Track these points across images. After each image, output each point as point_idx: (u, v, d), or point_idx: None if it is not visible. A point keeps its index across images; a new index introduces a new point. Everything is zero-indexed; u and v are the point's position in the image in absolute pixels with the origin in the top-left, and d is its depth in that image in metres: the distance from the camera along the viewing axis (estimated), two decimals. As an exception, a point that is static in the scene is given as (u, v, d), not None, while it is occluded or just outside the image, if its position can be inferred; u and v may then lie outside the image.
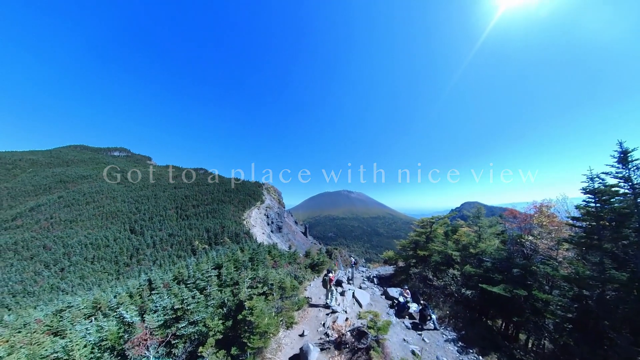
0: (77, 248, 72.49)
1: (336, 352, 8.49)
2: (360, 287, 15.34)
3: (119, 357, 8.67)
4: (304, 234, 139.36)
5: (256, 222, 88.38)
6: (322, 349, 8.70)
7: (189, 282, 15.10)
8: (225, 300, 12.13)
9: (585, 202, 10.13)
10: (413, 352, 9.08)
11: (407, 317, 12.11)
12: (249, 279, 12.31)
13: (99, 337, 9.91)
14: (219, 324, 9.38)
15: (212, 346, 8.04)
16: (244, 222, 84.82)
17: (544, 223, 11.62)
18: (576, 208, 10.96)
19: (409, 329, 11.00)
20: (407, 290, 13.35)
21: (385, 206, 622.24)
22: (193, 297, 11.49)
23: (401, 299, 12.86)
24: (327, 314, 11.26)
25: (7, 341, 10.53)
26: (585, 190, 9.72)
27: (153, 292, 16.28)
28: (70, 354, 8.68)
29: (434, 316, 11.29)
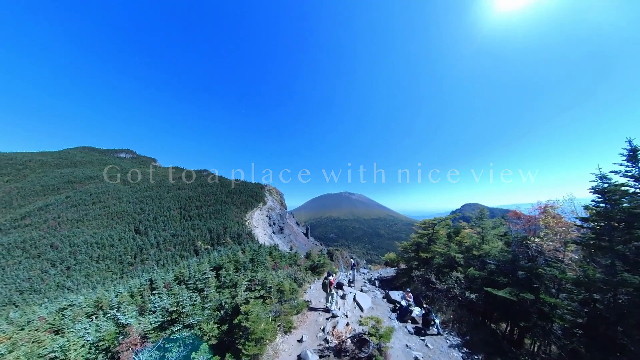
0: (83, 247, 73.39)
1: (336, 361, 8.16)
2: (362, 290, 15.03)
3: (114, 360, 8.57)
4: (306, 235, 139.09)
5: (258, 223, 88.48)
6: (321, 357, 8.34)
7: (189, 283, 15.00)
8: (223, 303, 11.98)
9: (594, 203, 9.75)
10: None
11: (409, 321, 11.78)
12: (247, 281, 12.13)
13: (97, 337, 9.83)
14: (214, 328, 9.20)
15: (205, 352, 7.82)
16: (246, 223, 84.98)
17: (551, 224, 11.22)
18: (584, 208, 10.57)
19: (411, 334, 10.67)
20: (410, 294, 13.02)
21: (386, 208, 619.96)
22: (190, 299, 11.34)
23: (403, 303, 12.54)
24: (327, 319, 10.97)
25: (10, 338, 10.44)
26: (595, 190, 9.34)
27: (154, 292, 16.24)
28: (67, 353, 8.63)
29: (437, 321, 10.95)
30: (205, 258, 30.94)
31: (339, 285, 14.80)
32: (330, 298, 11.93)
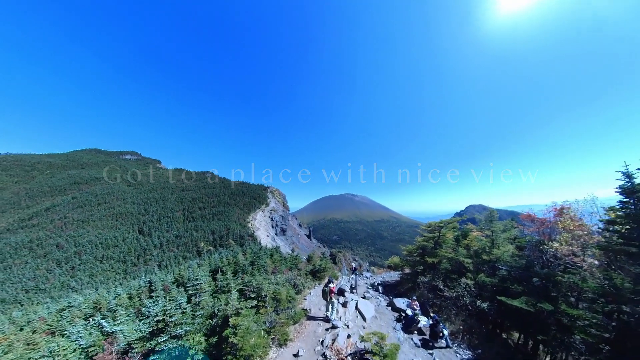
0: (87, 247, 73.84)
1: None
2: (364, 297, 14.17)
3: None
4: (308, 237, 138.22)
5: (261, 225, 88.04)
6: (318, 376, 7.60)
7: (188, 286, 14.36)
8: (216, 311, 11.27)
9: (620, 204, 8.83)
10: (423, 376, 7.94)
11: (416, 332, 10.92)
12: (241, 287, 11.42)
13: (90, 341, 9.33)
14: (201, 341, 8.50)
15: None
16: (249, 225, 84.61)
17: (571, 227, 10.29)
18: (609, 210, 9.64)
19: (418, 346, 9.82)
20: (416, 302, 12.16)
21: (388, 209, 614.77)
22: (179, 307, 10.65)
23: (409, 312, 11.69)
24: (327, 329, 10.16)
25: (7, 339, 10.20)
26: (622, 190, 8.42)
27: (152, 294, 15.67)
28: (57, 359, 8.21)
29: (446, 332, 10.09)
30: (206, 260, 30.40)
31: (341, 292, 14.01)
32: (330, 307, 11.14)
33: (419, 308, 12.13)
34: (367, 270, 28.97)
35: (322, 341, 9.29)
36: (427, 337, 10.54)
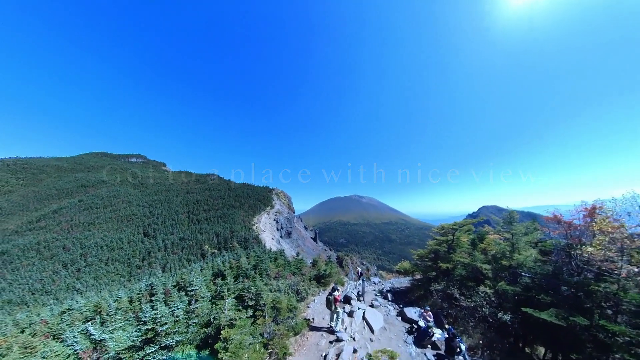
0: (93, 249, 74.19)
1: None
2: (372, 305, 13.10)
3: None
4: (314, 239, 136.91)
5: (266, 227, 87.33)
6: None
7: (189, 290, 13.59)
8: (212, 319, 10.38)
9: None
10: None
11: (429, 346, 9.82)
12: (237, 295, 10.50)
13: (85, 346, 8.82)
14: (192, 354, 7.64)
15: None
16: (254, 227, 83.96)
17: (609, 229, 9.11)
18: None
19: (432, 363, 8.77)
20: (429, 312, 11.05)
21: (397, 211, 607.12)
22: (172, 314, 9.82)
23: (422, 323, 10.59)
24: (331, 342, 9.15)
25: (6, 341, 10.08)
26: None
27: (152, 298, 14.96)
28: None
29: (463, 347, 8.96)
30: (208, 263, 29.67)
31: (347, 299, 12.99)
32: (335, 317, 10.13)
33: (432, 319, 11.03)
34: (376, 275, 27.77)
35: (325, 356, 8.30)
36: (442, 352, 9.44)
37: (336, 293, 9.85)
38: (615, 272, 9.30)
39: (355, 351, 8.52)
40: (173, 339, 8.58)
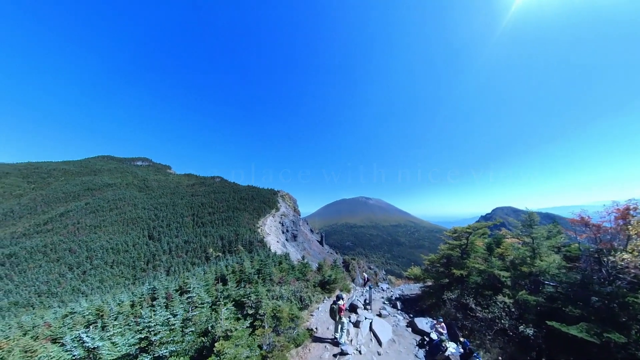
0: (99, 252, 74.69)
1: None
2: (380, 315, 12.20)
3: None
4: (320, 242, 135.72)
5: (271, 230, 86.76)
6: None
7: (188, 296, 13.04)
8: (210, 327, 9.70)
9: None
10: None
11: (443, 362, 8.95)
12: (237, 302, 9.81)
13: (84, 354, 8.26)
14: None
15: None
16: (259, 230, 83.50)
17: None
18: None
19: (448, 382, 7.89)
20: (442, 324, 10.15)
21: (406, 213, 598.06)
22: (167, 322, 9.18)
23: (434, 336, 9.72)
24: (335, 355, 8.38)
25: (7, 344, 10.05)
26: None
27: (154, 302, 14.46)
28: None
29: (483, 364, 8.09)
30: (211, 268, 29.11)
31: (353, 308, 12.17)
32: (339, 327, 9.33)
33: (445, 331, 10.13)
34: (384, 280, 26.65)
35: (329, 372, 7.53)
36: (458, 369, 8.56)
37: (341, 302, 9.06)
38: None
39: (362, 368, 7.73)
40: (167, 348, 7.94)
